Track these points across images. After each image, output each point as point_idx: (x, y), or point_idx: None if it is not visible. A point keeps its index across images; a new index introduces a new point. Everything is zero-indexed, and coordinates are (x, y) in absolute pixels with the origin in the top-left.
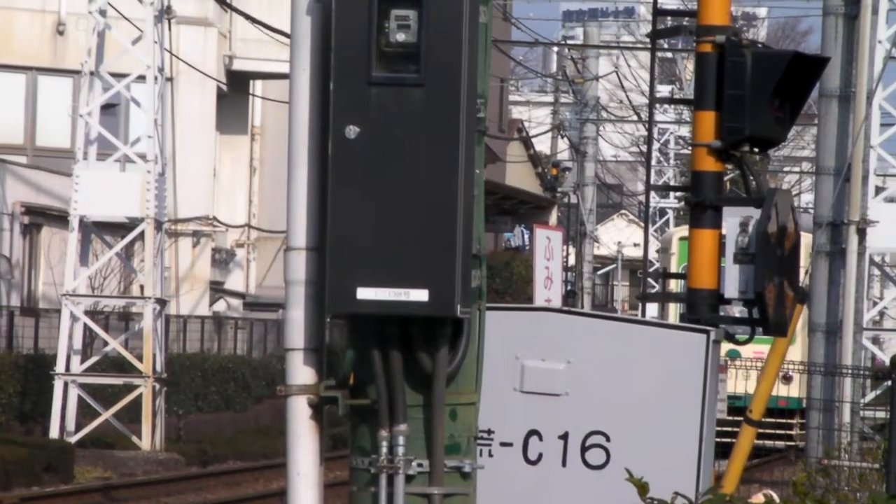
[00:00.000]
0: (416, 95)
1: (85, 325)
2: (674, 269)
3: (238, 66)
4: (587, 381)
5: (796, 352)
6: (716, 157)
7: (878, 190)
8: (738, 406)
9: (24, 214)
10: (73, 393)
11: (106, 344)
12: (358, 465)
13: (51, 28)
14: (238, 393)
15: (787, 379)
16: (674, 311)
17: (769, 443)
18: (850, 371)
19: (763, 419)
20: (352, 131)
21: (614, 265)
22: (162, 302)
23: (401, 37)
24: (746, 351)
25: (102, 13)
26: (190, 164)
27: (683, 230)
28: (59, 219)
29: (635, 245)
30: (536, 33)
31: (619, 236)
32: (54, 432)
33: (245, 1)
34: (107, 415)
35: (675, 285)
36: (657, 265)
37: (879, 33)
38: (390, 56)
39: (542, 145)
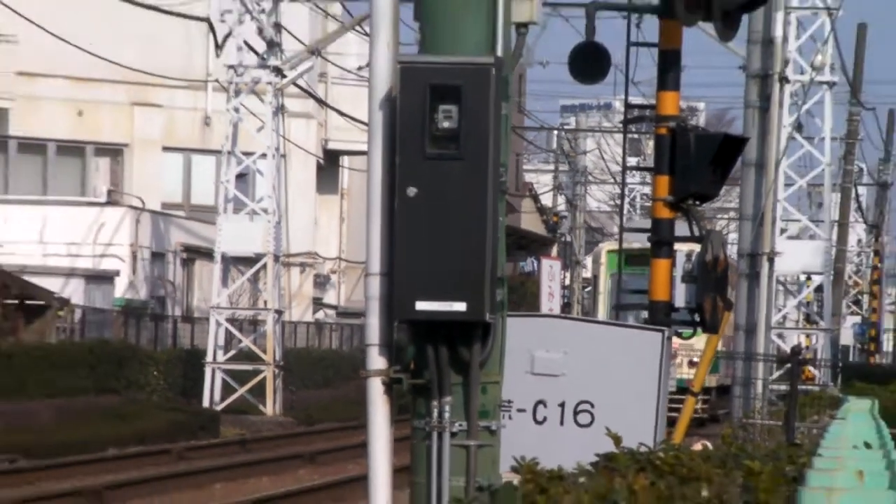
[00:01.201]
0: (457, 166)
1: (226, 328)
2: (603, 276)
3: (332, 146)
4: (578, 366)
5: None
6: (669, 207)
7: (782, 231)
8: (680, 386)
9: (182, 252)
10: (218, 376)
11: (240, 341)
12: (417, 425)
13: (200, 121)
14: (333, 376)
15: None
16: (602, 308)
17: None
18: (762, 357)
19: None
20: (411, 191)
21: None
22: (279, 312)
23: (446, 124)
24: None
25: (236, 110)
26: (298, 216)
27: (611, 245)
28: (207, 254)
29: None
30: (542, 121)
31: None
32: (206, 403)
33: (337, 100)
34: (242, 391)
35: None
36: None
37: (784, 120)
38: (438, 138)
39: (546, 200)
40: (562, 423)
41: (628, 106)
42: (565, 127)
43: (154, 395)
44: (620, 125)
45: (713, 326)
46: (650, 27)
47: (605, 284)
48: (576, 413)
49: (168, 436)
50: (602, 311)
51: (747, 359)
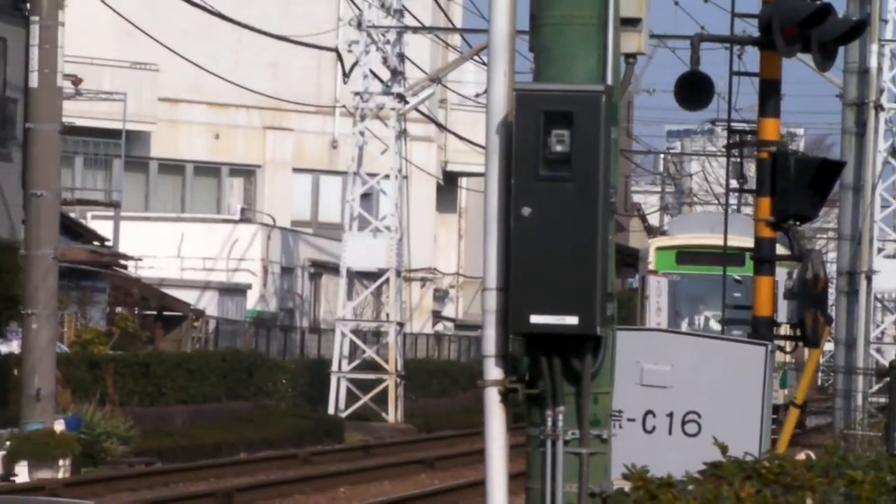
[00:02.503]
0: (569, 187)
1: (350, 339)
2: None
3: (451, 167)
4: (685, 378)
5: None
6: (771, 228)
7: (879, 250)
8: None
9: (310, 267)
10: (343, 384)
11: (364, 352)
12: (532, 433)
13: (328, 143)
14: (451, 385)
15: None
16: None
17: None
18: (861, 371)
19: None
20: (526, 211)
21: None
22: (401, 324)
23: (558, 148)
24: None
25: (362, 134)
26: (418, 233)
27: (660, 241)
28: (333, 269)
29: None
30: (649, 145)
31: None
32: (331, 410)
33: (455, 124)
34: (365, 399)
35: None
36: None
37: (879, 146)
38: (551, 161)
39: (653, 220)
40: (670, 432)
41: (731, 131)
42: (671, 151)
43: (282, 402)
44: (724, 149)
45: (814, 341)
46: (752, 57)
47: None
48: (683, 423)
49: (295, 441)
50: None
51: (847, 372)
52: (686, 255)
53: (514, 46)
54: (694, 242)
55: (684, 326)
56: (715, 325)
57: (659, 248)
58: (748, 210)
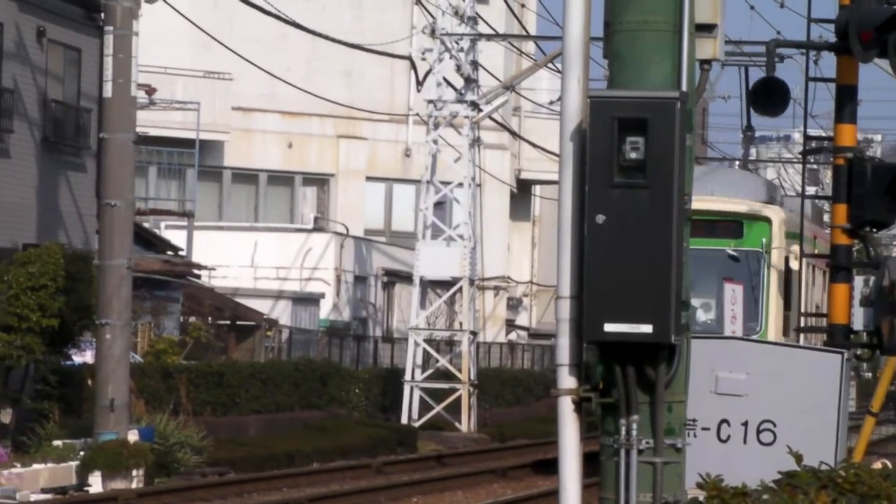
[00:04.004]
0: (643, 194)
1: (423, 348)
2: None
3: (524, 175)
4: (760, 386)
5: None
6: (847, 234)
7: None
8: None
9: (383, 275)
10: (416, 394)
11: (437, 361)
12: (606, 442)
13: (401, 152)
14: (524, 394)
15: None
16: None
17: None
18: None
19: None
20: (600, 218)
21: None
22: (474, 333)
23: (633, 155)
24: None
25: (435, 142)
26: (492, 241)
27: None
28: (406, 278)
29: None
30: (724, 152)
31: None
32: (404, 420)
33: (529, 132)
34: (438, 408)
35: None
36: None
37: None
38: (626, 168)
39: None
40: (745, 441)
41: (807, 137)
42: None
43: (355, 411)
44: (800, 156)
45: (891, 348)
46: (828, 63)
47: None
48: (758, 432)
49: (368, 450)
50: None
51: None
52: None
53: (588, 53)
54: (699, 207)
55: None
56: (704, 317)
57: None
58: (826, 217)
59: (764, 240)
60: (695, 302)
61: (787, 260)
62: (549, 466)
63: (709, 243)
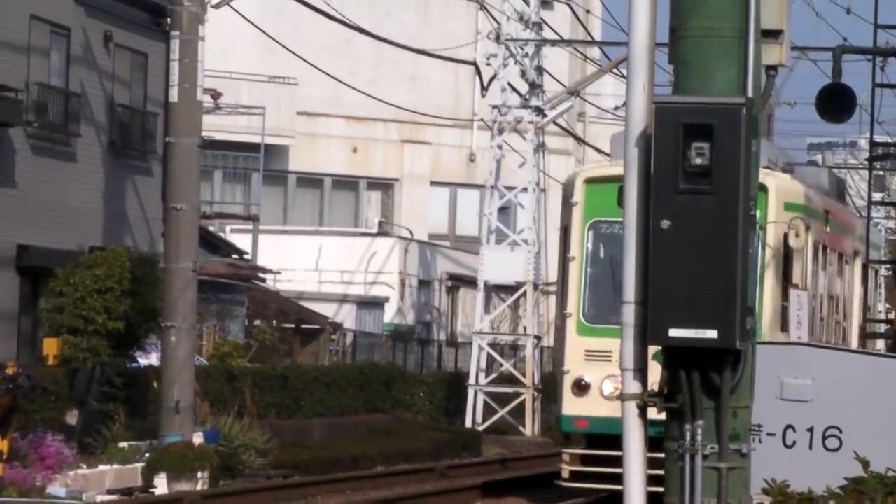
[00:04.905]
0: (709, 200)
1: (487, 352)
2: (578, 230)
3: None
4: (826, 392)
5: None
6: None
7: None
8: None
9: (448, 280)
10: (480, 398)
11: (501, 365)
12: (671, 447)
13: (465, 157)
14: None
15: None
16: (574, 297)
17: None
18: None
19: None
20: (665, 224)
21: None
22: (538, 338)
23: (698, 161)
24: None
25: (500, 147)
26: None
27: (594, 168)
28: (470, 282)
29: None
30: (790, 157)
31: None
32: (468, 423)
33: (594, 137)
34: (502, 412)
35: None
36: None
37: None
38: (691, 173)
39: None
40: (810, 447)
41: (873, 144)
42: (812, 164)
43: (419, 415)
44: (866, 162)
45: None
46: (895, 69)
47: (580, 247)
48: (824, 438)
49: (432, 454)
50: (574, 300)
51: None
52: None
53: (653, 59)
54: None
55: (630, 315)
56: None
57: (590, 181)
58: (891, 223)
59: (757, 212)
60: None
61: (785, 237)
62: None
63: None
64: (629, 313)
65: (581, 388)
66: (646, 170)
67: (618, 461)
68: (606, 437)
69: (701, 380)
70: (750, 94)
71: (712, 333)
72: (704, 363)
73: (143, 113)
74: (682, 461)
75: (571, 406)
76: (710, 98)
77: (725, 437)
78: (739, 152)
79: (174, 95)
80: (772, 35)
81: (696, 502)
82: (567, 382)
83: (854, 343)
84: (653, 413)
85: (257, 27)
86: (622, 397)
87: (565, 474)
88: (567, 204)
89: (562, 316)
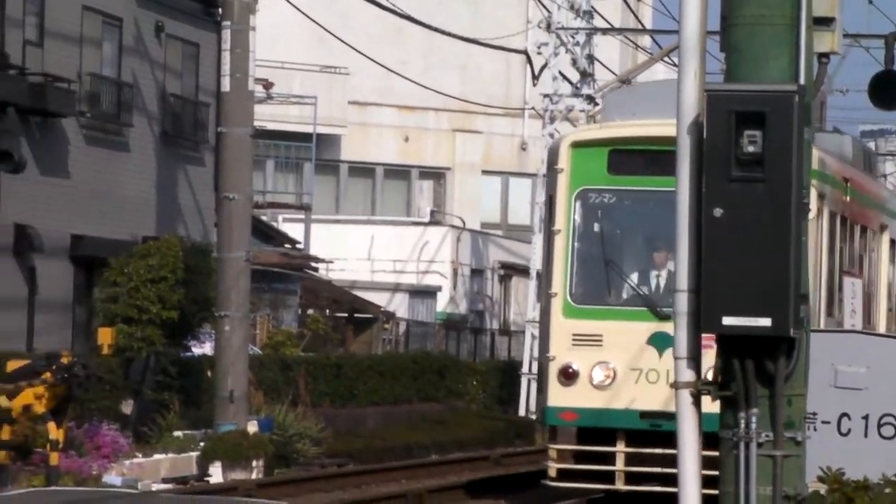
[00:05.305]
0: (761, 188)
1: None
2: (564, 189)
3: None
4: (881, 380)
5: None
6: None
7: None
8: None
9: (500, 269)
10: (534, 386)
11: None
12: (725, 435)
13: (517, 146)
14: None
15: None
16: (559, 272)
17: None
18: None
19: None
20: (717, 212)
21: None
22: None
23: (750, 149)
24: None
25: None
26: None
27: (583, 131)
28: (523, 271)
29: None
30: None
31: None
32: (521, 412)
33: None
34: None
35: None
36: None
37: None
38: (743, 161)
39: None
40: (865, 435)
41: None
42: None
43: (473, 403)
44: None
45: None
46: None
47: (566, 219)
48: (879, 425)
49: (486, 442)
50: (559, 279)
51: None
52: (627, 158)
53: (704, 47)
54: (642, 133)
55: (625, 294)
56: (653, 283)
57: (577, 145)
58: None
59: None
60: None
61: None
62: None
63: (668, 183)
64: (682, 301)
65: (568, 376)
66: (698, 158)
67: (611, 458)
68: (597, 431)
69: (755, 368)
70: (802, 81)
71: (766, 321)
72: (758, 351)
73: (194, 103)
74: (737, 449)
75: (557, 396)
76: (762, 86)
77: (780, 425)
78: (792, 140)
79: (226, 85)
80: (824, 22)
81: (750, 491)
82: (552, 370)
83: (882, 325)
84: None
85: (308, 16)
86: (676, 385)
87: (552, 473)
88: (552, 171)
89: (546, 296)
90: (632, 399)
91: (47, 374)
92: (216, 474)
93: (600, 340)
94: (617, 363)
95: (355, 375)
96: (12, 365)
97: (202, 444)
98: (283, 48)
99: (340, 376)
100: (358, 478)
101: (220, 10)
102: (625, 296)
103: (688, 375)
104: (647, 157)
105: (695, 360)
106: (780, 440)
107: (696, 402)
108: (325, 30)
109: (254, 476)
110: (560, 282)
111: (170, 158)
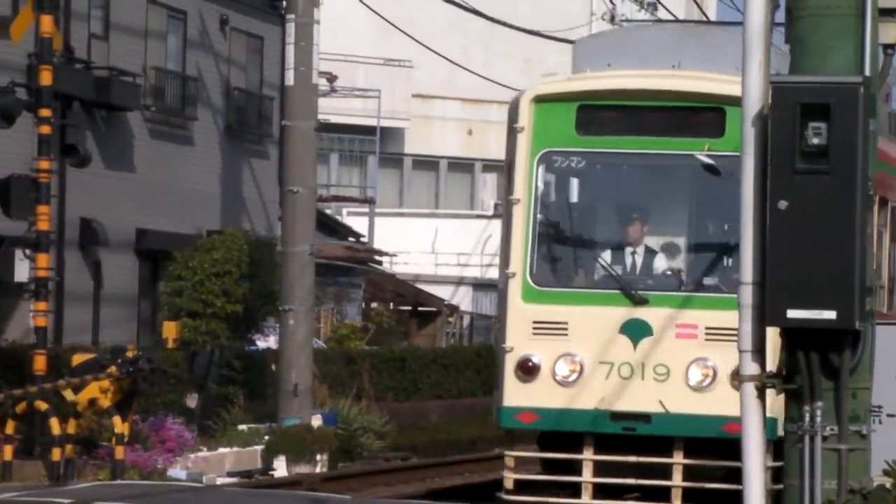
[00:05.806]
0: (826, 180)
1: None
2: (524, 152)
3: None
4: None
5: None
6: None
7: None
8: None
9: None
10: None
11: None
12: (790, 428)
13: None
14: None
15: None
16: (518, 253)
17: None
18: None
19: None
20: (782, 204)
21: None
22: None
23: (815, 141)
24: None
25: None
26: None
27: (548, 83)
28: None
29: None
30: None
31: None
32: None
33: None
34: None
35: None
36: None
37: None
38: (808, 154)
39: None
40: None
41: None
42: None
43: None
44: None
45: None
46: None
47: (527, 186)
48: None
49: None
50: (518, 256)
51: None
52: (599, 115)
53: (769, 39)
54: (617, 87)
55: (595, 275)
56: (664, 265)
57: (540, 99)
58: None
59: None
60: (652, 243)
61: None
62: None
63: (669, 145)
64: (746, 294)
65: (527, 370)
66: (763, 150)
67: (577, 466)
68: (561, 435)
69: (820, 361)
70: (867, 72)
71: (831, 314)
72: (823, 344)
73: (259, 96)
74: (802, 443)
75: (515, 395)
76: (827, 77)
77: (845, 418)
78: (857, 132)
79: (290, 79)
80: (889, 13)
81: (815, 484)
82: (509, 363)
83: None
84: (680, 406)
85: (372, 9)
86: (740, 378)
87: (508, 484)
88: (511, 131)
89: (503, 277)
90: (601, 398)
91: (113, 368)
92: (280, 468)
93: (565, 329)
94: (584, 355)
95: (419, 369)
96: (78, 359)
97: (266, 437)
98: (347, 41)
99: (404, 370)
100: (422, 471)
101: (284, 3)
102: (595, 277)
103: (752, 368)
104: (623, 113)
105: (760, 353)
106: (845, 433)
107: (761, 395)
108: (389, 22)
109: (318, 470)
110: (519, 260)
111: (234, 152)
